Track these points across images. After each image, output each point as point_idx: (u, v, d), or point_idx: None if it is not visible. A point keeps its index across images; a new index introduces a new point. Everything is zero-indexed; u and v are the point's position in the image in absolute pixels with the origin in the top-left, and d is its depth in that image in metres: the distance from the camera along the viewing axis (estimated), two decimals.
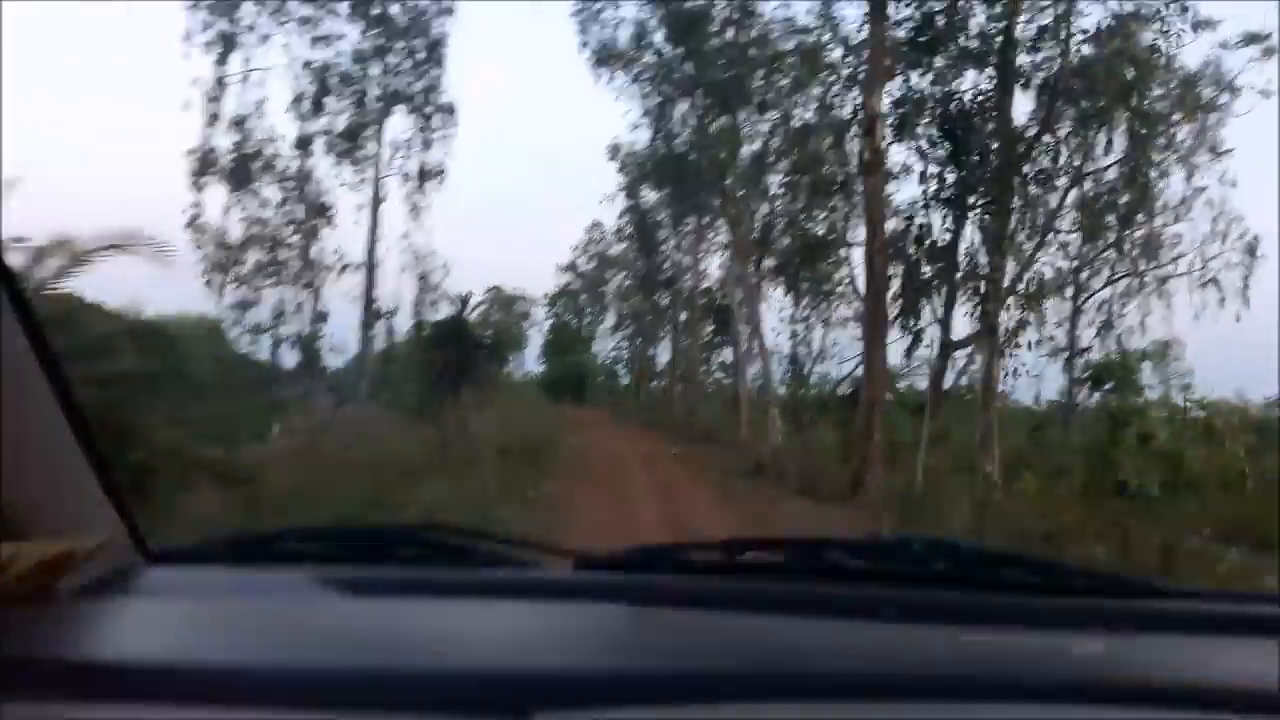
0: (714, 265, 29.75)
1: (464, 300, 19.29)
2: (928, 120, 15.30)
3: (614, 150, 29.82)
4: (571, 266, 51.16)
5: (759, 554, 1.37)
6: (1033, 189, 15.67)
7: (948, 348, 15.94)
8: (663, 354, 50.95)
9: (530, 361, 57.29)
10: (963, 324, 15.89)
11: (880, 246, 14.68)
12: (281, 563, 1.27)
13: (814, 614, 1.13)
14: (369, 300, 21.75)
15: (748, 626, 1.09)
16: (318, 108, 21.27)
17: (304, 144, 21.19)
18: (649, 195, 29.61)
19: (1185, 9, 14.19)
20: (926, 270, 15.95)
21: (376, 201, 22.14)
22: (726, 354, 30.38)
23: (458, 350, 17.28)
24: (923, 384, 17.30)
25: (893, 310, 15.51)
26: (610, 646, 1.05)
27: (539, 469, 14.21)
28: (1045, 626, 1.13)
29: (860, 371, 16.47)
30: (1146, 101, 15.03)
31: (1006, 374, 15.50)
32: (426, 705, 0.80)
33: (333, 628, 1.05)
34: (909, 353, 16.49)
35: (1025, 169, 14.98)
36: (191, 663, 0.86)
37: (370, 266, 22.12)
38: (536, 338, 56.50)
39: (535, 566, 1.33)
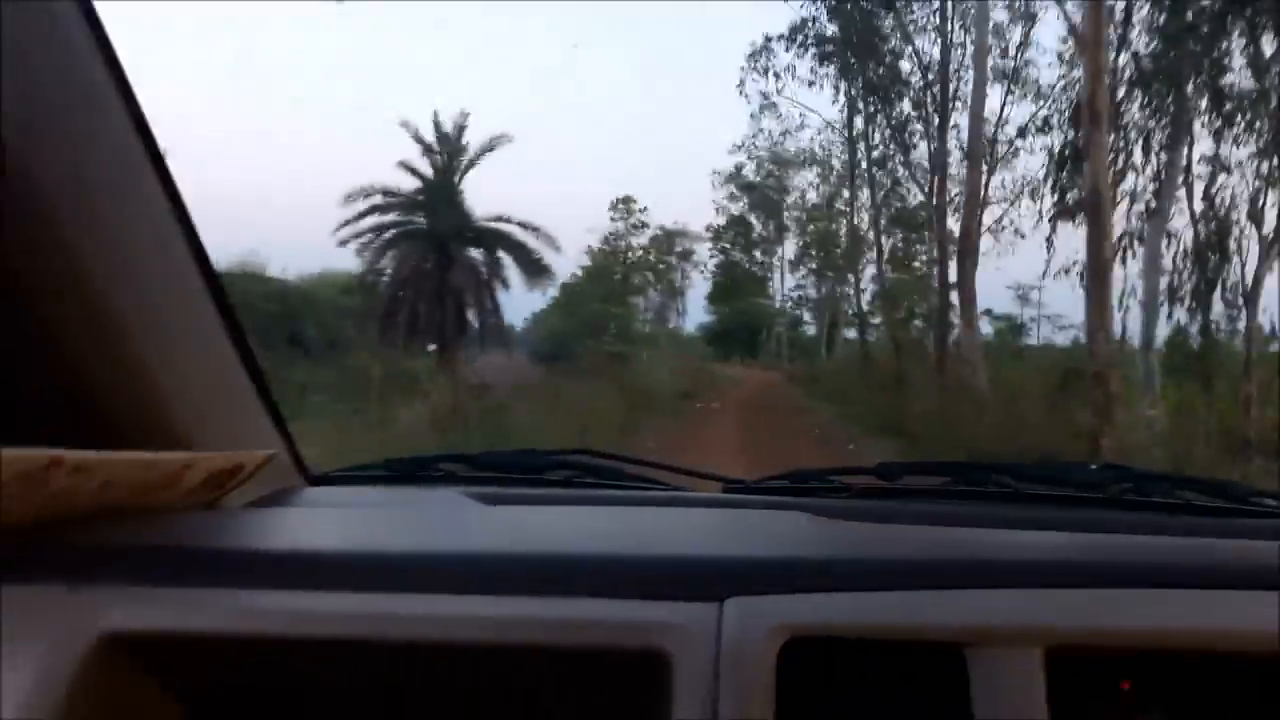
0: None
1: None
2: None
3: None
4: (736, 175, 41.27)
5: (919, 477, 1.32)
6: None
7: None
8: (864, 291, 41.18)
9: (698, 311, 49.71)
10: None
11: None
12: (435, 484, 1.31)
13: (979, 526, 1.07)
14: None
15: (915, 533, 1.04)
16: None
17: None
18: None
19: None
20: None
21: None
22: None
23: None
24: None
25: None
26: (782, 543, 0.99)
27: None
28: (1197, 535, 1.06)
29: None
30: None
31: None
32: (610, 589, 0.80)
33: (491, 526, 1.06)
34: None
35: None
36: (355, 552, 0.88)
37: None
38: (702, 282, 48.30)
39: (685, 490, 1.31)
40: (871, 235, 26.70)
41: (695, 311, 51.07)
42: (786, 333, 43.16)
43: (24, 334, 0.76)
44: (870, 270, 30.57)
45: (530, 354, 31.11)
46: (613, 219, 36.96)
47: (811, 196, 39.92)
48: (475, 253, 20.94)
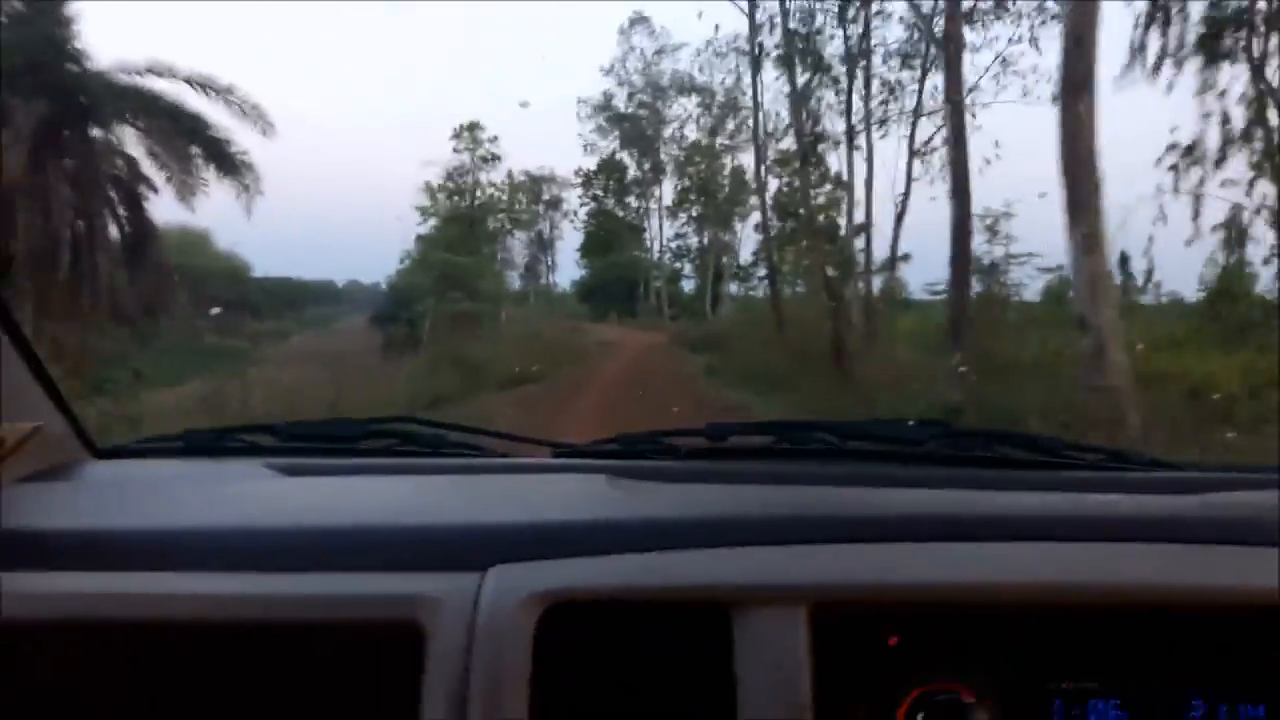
0: None
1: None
2: None
3: None
4: (605, 105, 36.17)
5: (744, 437, 1.32)
6: None
7: None
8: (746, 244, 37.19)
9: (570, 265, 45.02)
10: None
11: None
12: (238, 456, 1.24)
13: (801, 485, 1.08)
14: None
15: (726, 494, 1.04)
16: None
17: None
18: None
19: None
20: None
21: None
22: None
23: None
24: None
25: None
26: (573, 508, 0.97)
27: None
28: (1001, 489, 1.07)
29: None
30: None
31: None
32: (375, 563, 0.79)
33: (282, 499, 1.03)
34: None
35: None
36: (138, 530, 0.86)
37: None
38: (573, 233, 43.51)
39: (510, 457, 1.28)
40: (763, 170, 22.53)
41: (568, 266, 46.32)
42: (666, 287, 38.83)
43: None
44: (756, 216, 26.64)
45: (372, 317, 26.70)
46: (456, 150, 30.31)
47: (691, 132, 35.51)
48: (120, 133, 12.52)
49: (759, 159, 20.03)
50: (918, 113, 17.29)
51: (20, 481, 1.01)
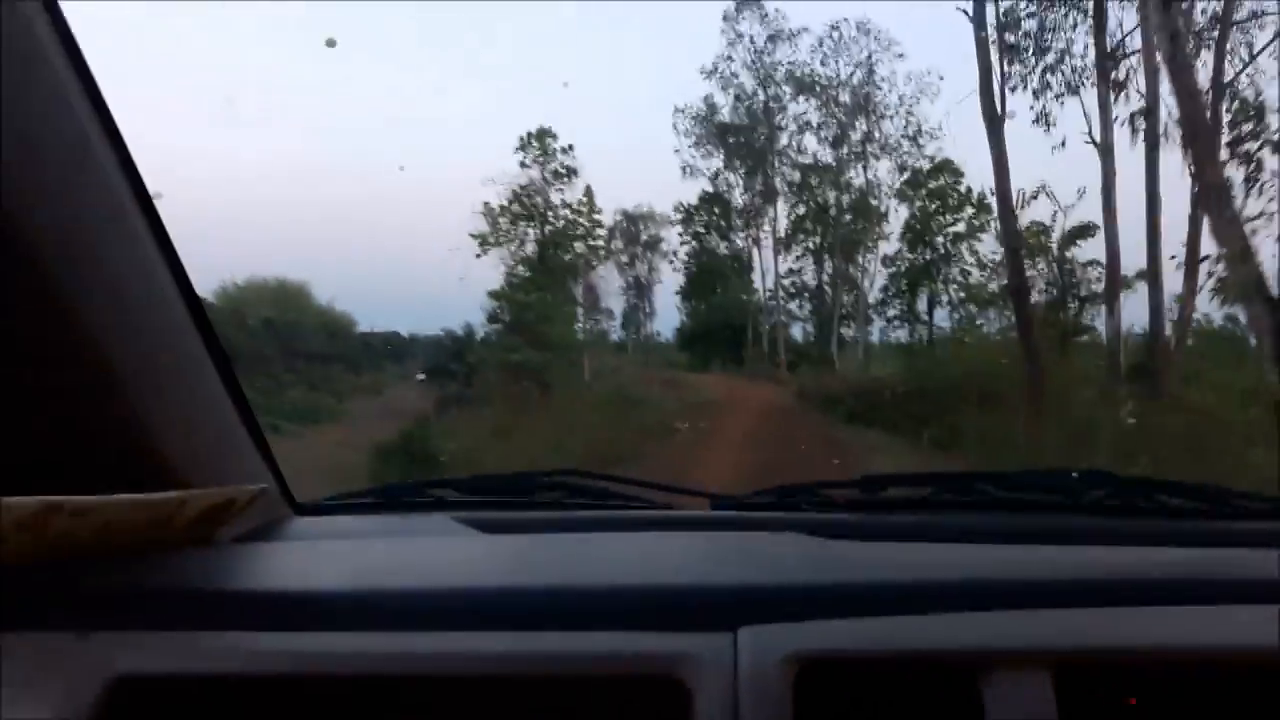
0: None
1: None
2: None
3: None
4: (708, 115, 30.77)
5: (902, 489, 1.32)
6: None
7: None
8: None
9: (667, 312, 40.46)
10: None
11: None
12: (425, 510, 1.28)
13: (968, 542, 1.08)
14: None
15: (907, 551, 1.06)
16: None
17: None
18: None
19: None
20: None
21: None
22: None
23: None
24: None
25: None
26: (785, 567, 0.99)
27: None
28: (1207, 546, 1.08)
29: None
30: None
31: None
32: (627, 621, 0.81)
33: (492, 556, 1.07)
34: None
35: None
36: (358, 590, 0.88)
37: None
38: (672, 275, 38.80)
39: (673, 509, 1.30)
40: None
41: (669, 313, 41.51)
42: (779, 331, 33.17)
43: (20, 387, 0.79)
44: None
45: (428, 371, 22.89)
46: (523, 164, 24.49)
47: (811, 143, 30.08)
48: None
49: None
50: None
51: (238, 540, 1.05)
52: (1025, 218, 13.21)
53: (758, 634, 0.79)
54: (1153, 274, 9.24)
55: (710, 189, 33.18)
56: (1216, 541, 1.08)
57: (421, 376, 21.78)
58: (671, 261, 38.49)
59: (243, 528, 1.07)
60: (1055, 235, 12.88)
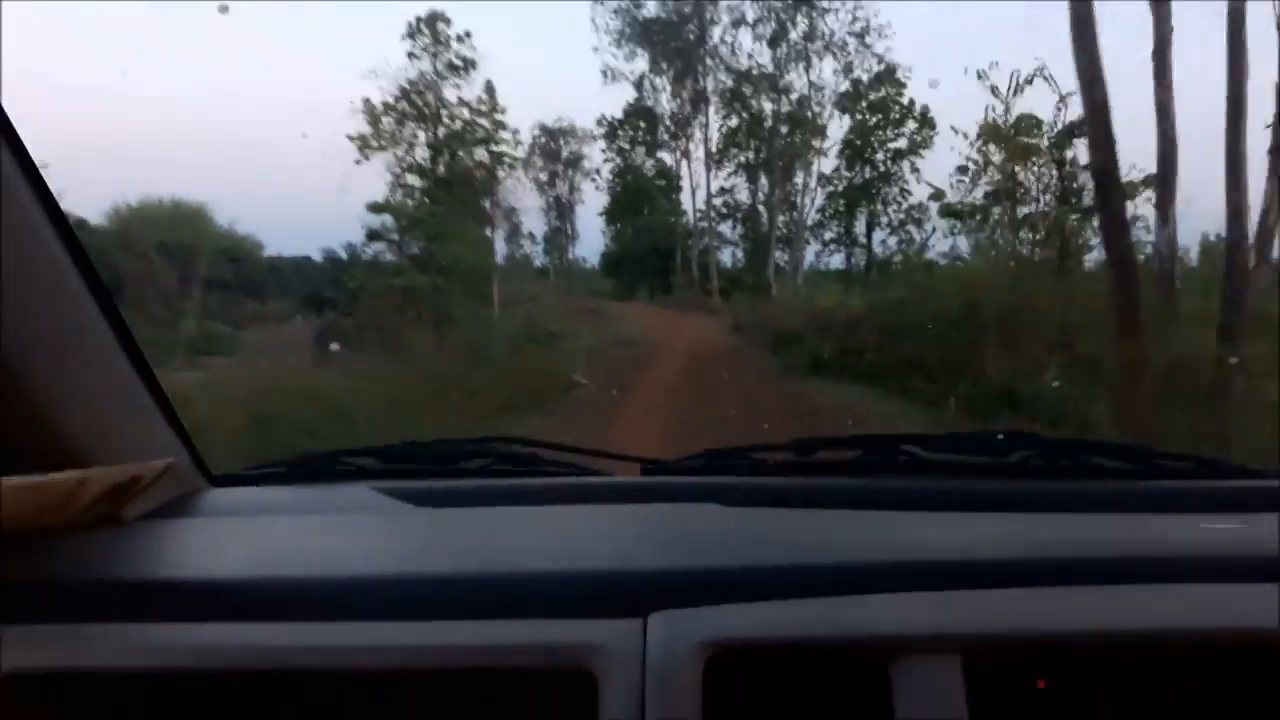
0: None
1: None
2: None
3: None
4: (632, 5, 27.11)
5: (832, 452, 1.30)
6: None
7: None
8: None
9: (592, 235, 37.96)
10: None
11: None
12: (345, 480, 1.25)
13: (894, 508, 1.08)
14: None
15: (830, 522, 1.06)
16: None
17: None
18: None
19: None
20: None
21: None
22: None
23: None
24: None
25: None
26: (702, 546, 0.98)
27: None
28: (1132, 510, 1.08)
29: None
30: None
31: None
32: (537, 609, 0.81)
33: (408, 536, 1.04)
34: None
35: None
36: (267, 578, 0.86)
37: None
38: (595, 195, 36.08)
39: (603, 474, 1.28)
40: None
41: (593, 237, 38.81)
42: (711, 256, 30.73)
43: None
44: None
45: (303, 300, 21.27)
46: (411, 54, 19.96)
47: (746, 40, 27.23)
48: None
49: None
50: None
51: (147, 518, 1.01)
52: (1017, 107, 10.82)
53: (668, 620, 0.79)
54: (1232, 164, 6.79)
55: (634, 94, 30.06)
56: (1141, 505, 1.07)
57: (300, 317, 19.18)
58: (594, 180, 35.75)
59: (154, 503, 1.03)
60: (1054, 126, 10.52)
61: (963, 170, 11.43)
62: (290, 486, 1.23)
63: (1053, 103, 10.16)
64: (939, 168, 33.54)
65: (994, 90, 10.94)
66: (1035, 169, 10.23)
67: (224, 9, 19.63)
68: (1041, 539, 0.97)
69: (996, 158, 10.66)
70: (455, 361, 11.29)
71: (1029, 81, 10.44)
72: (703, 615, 0.79)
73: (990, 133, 10.76)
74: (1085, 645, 0.79)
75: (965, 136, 11.43)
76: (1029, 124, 10.61)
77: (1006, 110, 10.80)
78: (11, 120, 0.80)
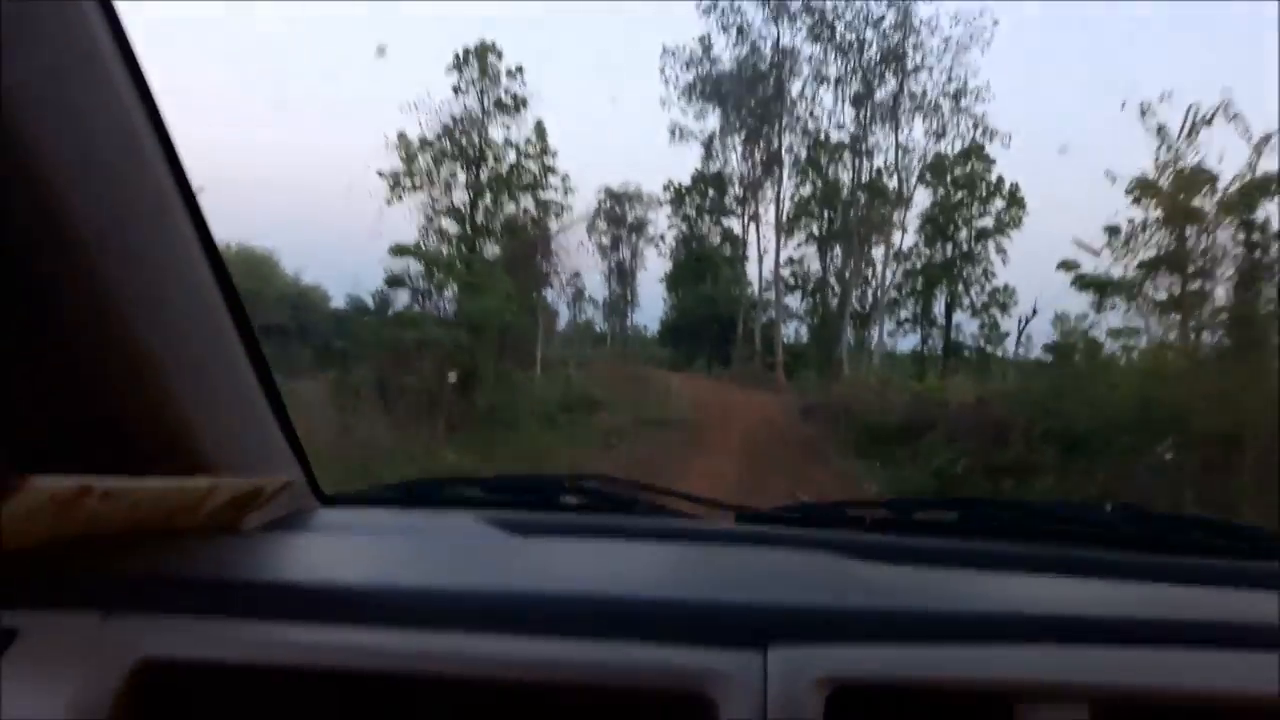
0: None
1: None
2: None
3: None
4: (703, 57, 25.72)
5: (930, 512, 1.31)
6: None
7: None
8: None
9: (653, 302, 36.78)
10: None
11: None
12: (450, 507, 1.30)
13: (1000, 568, 1.08)
14: None
15: (940, 576, 1.05)
16: None
17: None
18: None
19: None
20: None
21: None
22: None
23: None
24: None
25: None
26: (819, 586, 0.99)
27: None
28: (1240, 586, 1.06)
29: None
30: None
31: None
32: (652, 633, 0.81)
33: (518, 559, 1.06)
34: None
35: None
36: (386, 587, 0.88)
37: None
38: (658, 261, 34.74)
39: (698, 518, 1.30)
40: None
41: (655, 304, 37.44)
42: (776, 328, 28.49)
43: (54, 366, 0.79)
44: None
45: (318, 351, 18.94)
46: (457, 89, 18.01)
47: (826, 96, 25.53)
48: None
49: None
50: None
51: (263, 530, 1.05)
52: (1191, 154, 8.47)
53: (789, 654, 0.79)
54: None
55: (703, 152, 28.51)
56: (1250, 583, 1.05)
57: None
58: (658, 246, 34.30)
59: (269, 517, 1.07)
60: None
61: (1112, 231, 8.99)
62: (398, 510, 1.28)
63: (1228, 147, 8.02)
64: (1029, 252, 31.06)
65: (1160, 131, 8.66)
66: (1210, 230, 7.93)
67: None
68: (1158, 601, 0.97)
69: (1155, 213, 8.38)
70: (460, 427, 10.20)
71: (1208, 121, 8.20)
72: (825, 652, 0.79)
73: (1152, 185, 8.45)
74: (1212, 706, 0.80)
75: (1114, 180, 9.00)
76: (1202, 177, 8.33)
77: (1176, 156, 8.49)
78: (176, 148, 0.84)
